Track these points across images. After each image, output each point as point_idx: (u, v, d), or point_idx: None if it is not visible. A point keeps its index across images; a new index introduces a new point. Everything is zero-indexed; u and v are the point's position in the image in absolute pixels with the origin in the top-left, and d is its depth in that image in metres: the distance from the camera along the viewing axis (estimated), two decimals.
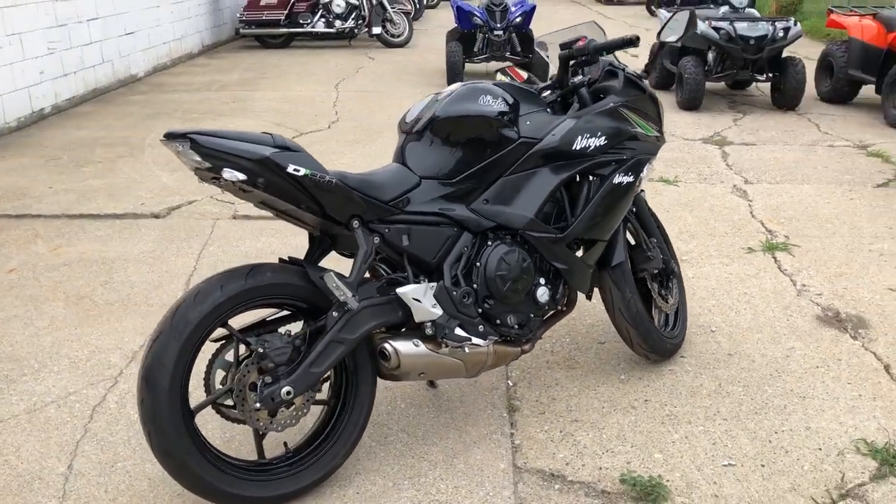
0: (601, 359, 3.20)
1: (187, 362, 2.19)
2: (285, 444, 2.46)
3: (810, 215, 4.84)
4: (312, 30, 11.76)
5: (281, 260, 2.43)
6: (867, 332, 3.39)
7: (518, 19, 8.74)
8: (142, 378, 2.16)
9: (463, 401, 2.91)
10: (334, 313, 2.34)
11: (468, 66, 8.93)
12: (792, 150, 6.35)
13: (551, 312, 2.82)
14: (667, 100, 8.17)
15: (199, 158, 2.16)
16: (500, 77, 3.02)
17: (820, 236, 4.49)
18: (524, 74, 3.11)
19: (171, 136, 2.17)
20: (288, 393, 2.26)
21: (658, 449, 2.64)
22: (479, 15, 8.69)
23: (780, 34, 7.49)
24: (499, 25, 8.67)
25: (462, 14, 8.91)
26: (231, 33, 12.68)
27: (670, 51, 8.34)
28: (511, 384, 3.03)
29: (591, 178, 2.75)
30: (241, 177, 2.16)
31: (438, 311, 2.45)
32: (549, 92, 2.87)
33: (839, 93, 8.00)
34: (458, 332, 2.49)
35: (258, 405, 2.25)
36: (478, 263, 2.57)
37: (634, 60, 10.45)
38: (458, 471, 2.53)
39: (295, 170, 2.20)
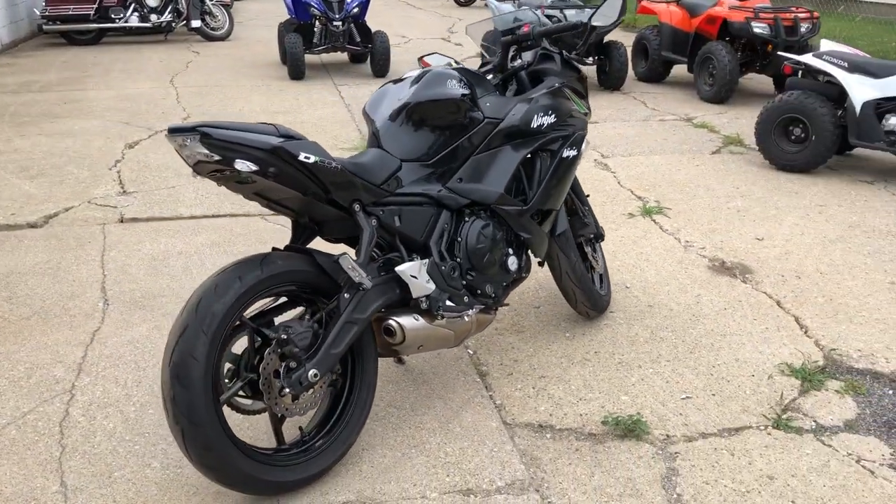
0: (542, 321, 3.47)
1: (217, 355, 2.20)
2: (301, 428, 2.50)
3: (669, 182, 5.40)
4: (126, 24, 11.13)
5: (275, 249, 2.46)
6: (753, 276, 3.91)
7: (356, 9, 8.83)
8: (172, 376, 2.14)
9: (435, 372, 3.07)
10: (346, 295, 2.42)
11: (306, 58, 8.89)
12: (631, 126, 6.97)
13: (513, 279, 3.04)
14: None
15: (206, 151, 2.16)
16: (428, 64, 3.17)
17: (683, 199, 5.04)
18: (450, 61, 3.29)
19: (176, 131, 2.16)
20: (315, 375, 2.32)
21: (622, 392, 2.95)
22: (316, 6, 8.68)
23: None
24: (337, 16, 8.71)
25: (298, 5, 8.85)
26: (30, 30, 11.72)
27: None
28: (472, 352, 3.21)
29: (542, 153, 2.99)
30: (254, 167, 2.19)
31: (432, 286, 2.59)
32: (490, 76, 3.07)
33: (654, 72, 8.82)
34: (449, 304, 2.65)
35: (287, 390, 2.29)
36: (459, 239, 2.74)
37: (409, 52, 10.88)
38: (456, 434, 2.70)
39: (306, 157, 2.26)
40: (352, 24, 8.93)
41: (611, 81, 8.44)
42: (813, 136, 5.42)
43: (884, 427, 2.75)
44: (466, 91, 2.75)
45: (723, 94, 7.69)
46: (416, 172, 2.68)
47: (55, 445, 2.63)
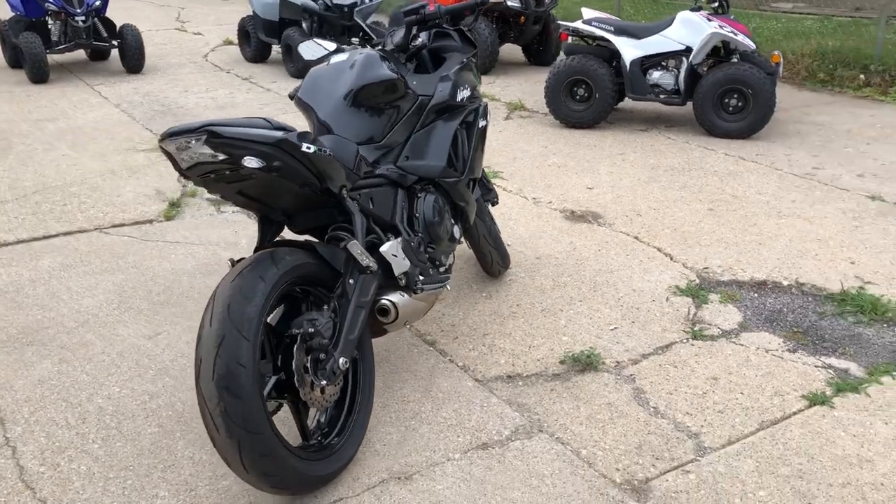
0: (455, 287, 3.68)
1: (259, 359, 2.16)
2: (319, 420, 2.51)
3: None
4: None
5: (271, 244, 2.43)
6: (604, 220, 4.43)
7: (97, 2, 8.17)
8: (220, 388, 2.06)
9: (388, 350, 3.16)
10: (350, 281, 2.46)
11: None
12: None
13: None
14: (271, 72, 8.55)
15: (211, 151, 2.11)
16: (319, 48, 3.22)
17: (508, 162, 5.47)
18: (331, 45, 3.36)
19: (179, 133, 2.08)
20: (344, 363, 2.35)
21: (560, 334, 3.27)
22: (53, 1, 7.90)
23: (367, 1, 8.34)
24: (79, 11, 8.01)
25: (28, 1, 8.00)
26: None
27: (264, 24, 8.65)
28: (409, 327, 3.34)
29: (462, 125, 3.17)
30: (261, 163, 2.17)
31: (407, 263, 2.70)
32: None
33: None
34: (421, 278, 2.78)
35: (324, 382, 2.30)
36: (417, 214, 2.86)
37: (200, 39, 10.51)
38: (441, 399, 2.84)
39: (307, 147, 2.26)
40: (95, 19, 8.25)
41: None
42: (596, 95, 6.11)
43: (766, 322, 3.33)
44: (399, 71, 2.85)
45: (487, 65, 8.26)
46: (371, 154, 2.75)
47: (33, 503, 2.36)
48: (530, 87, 7.79)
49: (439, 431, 2.66)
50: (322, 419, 2.50)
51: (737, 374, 2.95)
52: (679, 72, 6.04)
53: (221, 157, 2.14)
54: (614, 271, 3.78)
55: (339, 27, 8.24)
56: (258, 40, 8.83)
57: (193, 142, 2.10)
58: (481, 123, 3.20)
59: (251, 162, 2.15)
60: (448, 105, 2.99)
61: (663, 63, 6.07)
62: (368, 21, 7.95)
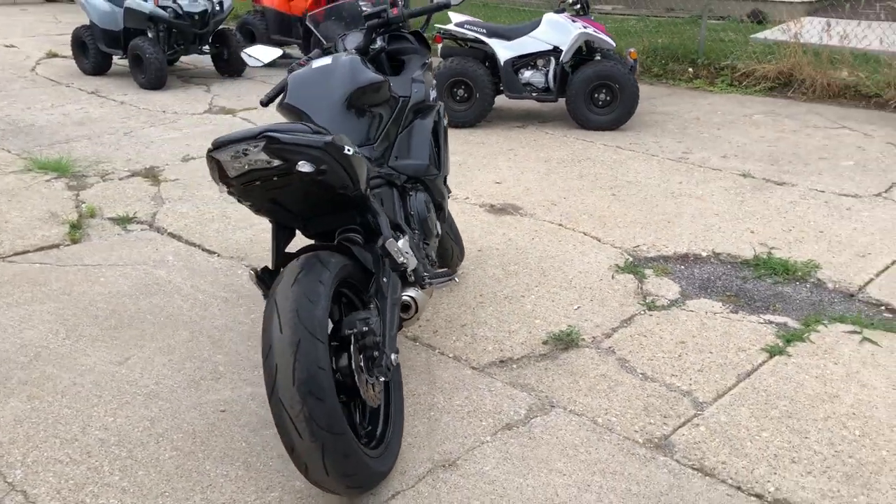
0: None
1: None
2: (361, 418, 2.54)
3: None
4: None
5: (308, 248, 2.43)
6: (525, 211, 4.68)
7: None
8: (303, 393, 2.06)
9: None
10: (384, 279, 2.52)
11: None
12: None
13: None
14: (118, 84, 8.14)
15: (267, 157, 2.13)
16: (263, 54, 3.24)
17: None
18: (278, 51, 3.38)
19: (237, 141, 2.08)
20: (396, 359, 2.41)
21: (531, 317, 3.47)
22: None
23: (218, 8, 8.14)
24: None
25: None
26: None
27: (104, 34, 8.19)
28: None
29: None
30: (314, 167, 2.21)
31: (416, 259, 2.80)
32: None
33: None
34: (424, 273, 2.88)
35: (382, 379, 2.35)
36: (411, 212, 2.95)
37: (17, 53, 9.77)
38: (449, 389, 2.95)
39: (347, 149, 2.32)
40: None
41: (230, 68, 8.51)
42: (477, 95, 6.37)
43: (701, 290, 3.72)
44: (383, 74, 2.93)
45: None
46: (369, 155, 2.81)
47: None
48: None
49: (461, 419, 2.76)
50: (363, 417, 2.53)
51: (699, 336, 3.28)
52: (549, 70, 6.43)
53: (277, 162, 2.14)
54: (555, 257, 4.03)
55: (191, 35, 7.98)
56: (98, 51, 8.33)
57: (252, 149, 2.09)
58: (444, 121, 3.33)
59: (304, 166, 2.17)
60: (424, 105, 3.09)
61: (533, 63, 6.43)
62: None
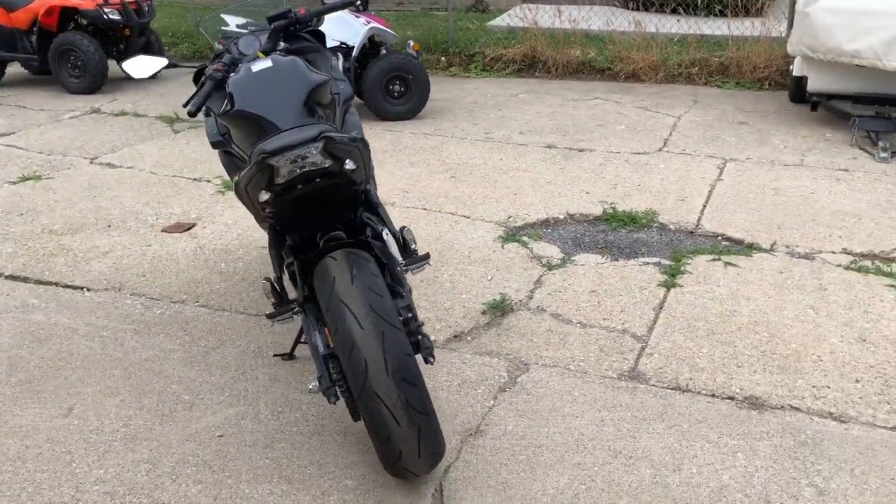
0: None
1: None
2: None
3: None
4: None
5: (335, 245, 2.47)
6: (384, 200, 4.84)
7: None
8: (398, 381, 2.14)
9: None
10: (398, 268, 2.63)
11: None
12: (52, 127, 6.64)
13: None
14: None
15: (322, 158, 2.20)
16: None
17: None
18: (163, 61, 3.30)
19: (291, 146, 2.12)
20: (433, 341, 2.55)
21: (457, 293, 3.71)
22: None
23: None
24: None
25: None
26: None
27: None
28: None
29: None
30: (354, 165, 2.30)
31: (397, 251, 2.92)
32: None
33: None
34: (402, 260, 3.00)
35: (432, 360, 2.48)
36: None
37: None
38: (426, 370, 3.08)
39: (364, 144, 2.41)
40: None
41: None
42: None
43: (576, 246, 4.20)
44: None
45: (97, 82, 7.76)
46: None
47: None
48: (164, 98, 7.55)
49: (457, 392, 2.93)
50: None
51: (603, 283, 3.74)
52: (339, 67, 6.57)
53: (329, 163, 2.17)
54: (440, 237, 4.27)
55: None
56: None
57: (313, 151, 2.10)
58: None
59: (349, 164, 2.22)
60: (349, 101, 3.17)
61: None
62: None
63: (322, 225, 2.58)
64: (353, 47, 6.48)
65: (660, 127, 6.32)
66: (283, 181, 2.18)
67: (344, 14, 6.48)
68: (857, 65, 5.83)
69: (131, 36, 7.96)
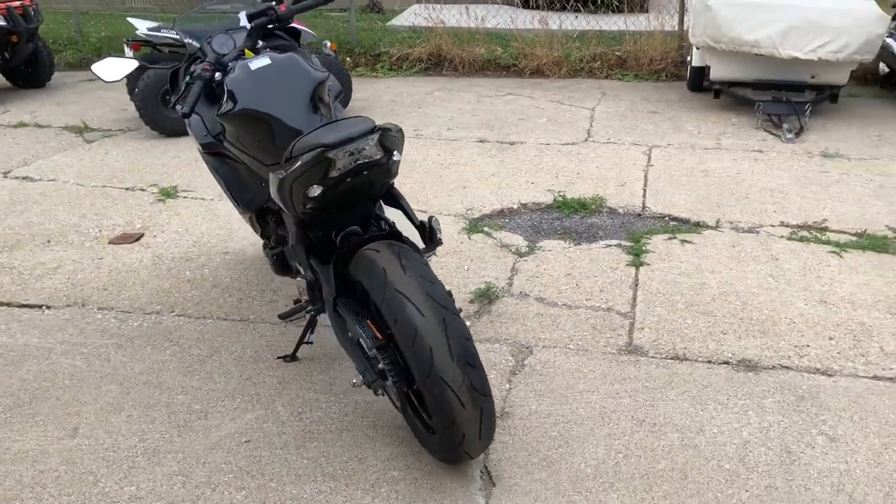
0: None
1: None
2: None
3: (144, 170, 5.46)
4: None
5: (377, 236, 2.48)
6: None
7: None
8: (462, 365, 2.17)
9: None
10: (427, 255, 2.67)
11: None
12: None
13: None
14: None
15: (377, 150, 2.24)
16: None
17: (177, 174, 5.30)
18: (133, 62, 3.23)
19: (349, 140, 2.15)
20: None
21: (445, 283, 3.76)
22: None
23: None
24: None
25: None
26: None
27: None
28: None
29: None
30: (399, 156, 2.34)
31: None
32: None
33: None
34: None
35: None
36: None
37: None
38: None
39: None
40: None
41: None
42: None
43: (537, 233, 4.33)
44: None
45: None
46: None
47: None
48: (63, 108, 7.18)
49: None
50: None
51: (576, 266, 3.89)
52: None
53: (380, 154, 2.19)
54: (404, 232, 4.29)
55: None
56: None
57: (370, 143, 2.12)
58: None
59: (396, 155, 2.25)
60: (339, 97, 3.17)
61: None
62: None
63: (349, 219, 2.57)
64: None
65: (578, 119, 6.57)
66: (338, 174, 2.17)
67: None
68: (757, 53, 6.26)
69: (19, 42, 7.50)
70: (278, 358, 3.07)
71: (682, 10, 8.38)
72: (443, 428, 2.20)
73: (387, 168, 2.30)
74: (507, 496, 2.35)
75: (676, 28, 8.46)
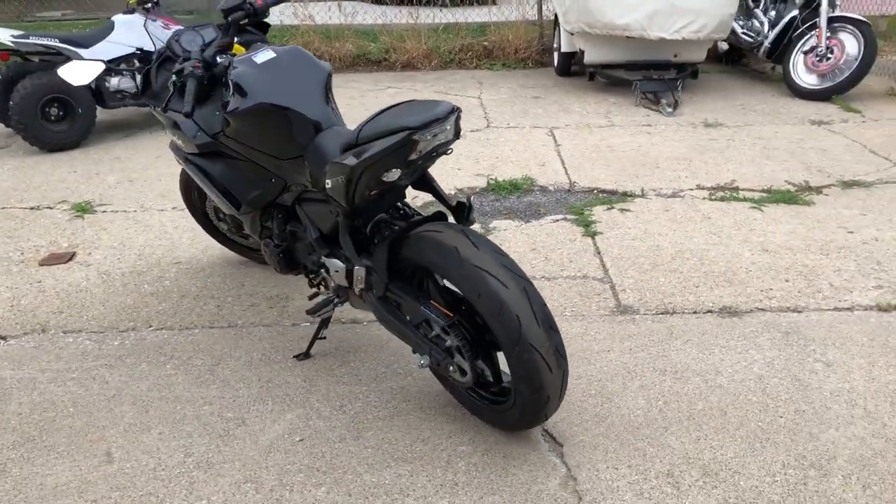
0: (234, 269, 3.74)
1: None
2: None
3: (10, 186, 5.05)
4: None
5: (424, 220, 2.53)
6: None
7: None
8: (547, 329, 2.26)
9: (341, 338, 3.27)
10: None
11: None
12: None
13: None
14: None
15: (454, 131, 2.33)
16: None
17: (99, 188, 4.98)
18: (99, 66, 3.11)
19: (433, 121, 2.21)
20: None
21: None
22: None
23: None
24: None
25: None
26: None
27: None
28: None
29: None
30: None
31: None
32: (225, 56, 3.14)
33: None
34: None
35: None
36: None
37: None
38: None
39: None
40: None
41: None
42: (79, 110, 5.80)
43: (484, 216, 4.49)
44: None
45: None
46: None
47: None
48: None
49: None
50: None
51: (538, 240, 4.07)
52: (136, 74, 6.17)
53: (451, 136, 2.26)
54: None
55: None
56: None
57: (451, 124, 2.19)
58: None
59: (459, 135, 2.32)
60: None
61: (117, 69, 6.06)
62: None
63: (383, 206, 2.60)
64: (151, 52, 6.08)
65: (471, 107, 6.77)
66: (417, 157, 2.20)
67: (135, 18, 6.08)
68: (628, 36, 6.72)
69: None
70: (294, 357, 3.02)
71: (540, 1, 8.80)
72: (530, 392, 2.28)
73: (448, 150, 2.35)
74: (579, 452, 2.47)
75: (536, 18, 8.86)
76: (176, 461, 2.48)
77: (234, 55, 2.91)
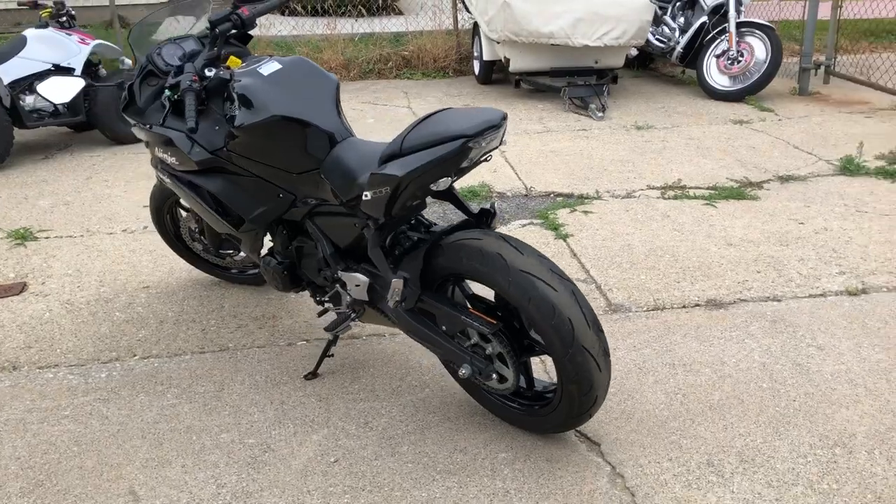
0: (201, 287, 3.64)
1: None
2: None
3: None
4: None
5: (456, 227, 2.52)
6: None
7: None
8: (596, 330, 2.31)
9: (364, 351, 3.21)
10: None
11: None
12: None
13: None
14: None
15: (500, 139, 2.35)
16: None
17: (41, 214, 4.66)
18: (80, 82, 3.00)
19: (488, 128, 2.23)
20: None
21: None
22: None
23: None
24: None
25: None
26: None
27: None
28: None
29: None
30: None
31: None
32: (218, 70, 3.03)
33: None
34: None
35: None
36: None
37: None
38: None
39: None
40: None
41: None
42: None
43: (444, 220, 4.50)
44: None
45: None
46: None
47: None
48: None
49: None
50: None
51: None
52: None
53: (498, 142, 2.27)
54: None
55: None
56: None
57: (502, 132, 2.20)
58: None
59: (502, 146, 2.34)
60: None
61: (31, 87, 5.73)
62: None
63: (414, 215, 2.57)
64: (70, 69, 5.79)
65: (401, 116, 6.77)
66: (468, 164, 2.18)
67: (49, 33, 5.78)
68: (553, 44, 6.90)
69: None
70: (303, 377, 2.93)
71: (456, 10, 8.89)
72: (580, 394, 2.30)
73: (489, 156, 2.35)
74: (618, 449, 2.51)
75: (452, 27, 8.95)
76: (210, 493, 2.36)
77: (229, 68, 2.80)
